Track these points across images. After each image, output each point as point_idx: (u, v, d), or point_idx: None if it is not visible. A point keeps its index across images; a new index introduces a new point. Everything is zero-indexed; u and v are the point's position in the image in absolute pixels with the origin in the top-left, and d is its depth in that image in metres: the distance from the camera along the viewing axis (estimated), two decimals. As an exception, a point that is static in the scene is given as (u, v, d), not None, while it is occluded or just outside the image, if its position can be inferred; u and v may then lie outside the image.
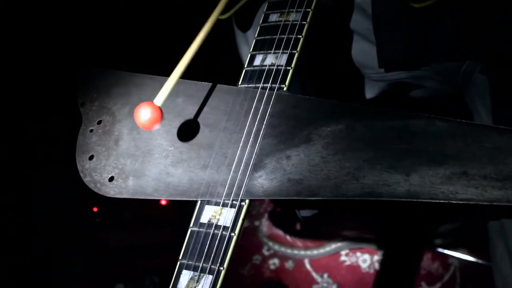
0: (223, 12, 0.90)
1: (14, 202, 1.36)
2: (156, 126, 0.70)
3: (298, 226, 1.51)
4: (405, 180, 0.63)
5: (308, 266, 1.49)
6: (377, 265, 1.44)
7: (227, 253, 0.66)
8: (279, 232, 1.53)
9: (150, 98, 0.81)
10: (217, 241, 0.67)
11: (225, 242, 0.67)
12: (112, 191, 0.77)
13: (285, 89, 0.74)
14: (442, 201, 0.61)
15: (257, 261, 1.53)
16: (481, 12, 0.89)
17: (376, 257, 1.45)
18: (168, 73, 0.75)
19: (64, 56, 1.31)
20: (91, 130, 0.83)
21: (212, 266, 0.66)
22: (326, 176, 0.66)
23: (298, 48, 0.77)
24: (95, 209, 1.46)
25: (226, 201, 0.69)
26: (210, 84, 0.79)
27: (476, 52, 0.93)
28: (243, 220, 0.68)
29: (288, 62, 0.76)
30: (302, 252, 1.50)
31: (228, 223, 0.68)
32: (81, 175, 0.80)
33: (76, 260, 1.43)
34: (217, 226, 0.68)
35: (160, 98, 0.72)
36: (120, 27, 1.36)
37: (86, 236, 1.45)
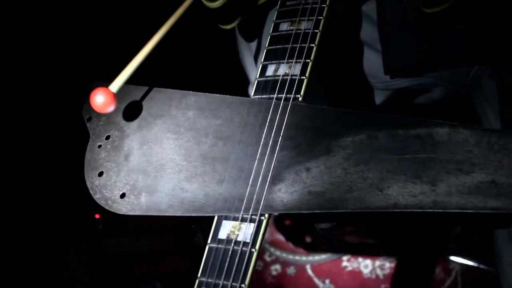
0: (227, 22, 0.89)
1: (17, 207, 1.34)
2: (110, 109, 0.74)
3: (309, 239, 1.49)
4: (431, 191, 0.61)
5: (310, 271, 1.48)
6: (378, 271, 1.44)
7: (248, 269, 0.64)
8: (281, 238, 1.52)
9: (159, 111, 0.79)
10: (237, 258, 0.65)
11: (245, 259, 0.65)
12: (124, 208, 0.74)
13: (300, 99, 0.72)
14: (470, 211, 0.59)
15: (259, 267, 1.52)
16: (489, 17, 0.88)
17: (378, 263, 1.45)
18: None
19: (68, 62, 1.30)
20: (100, 146, 0.81)
21: (233, 284, 0.63)
22: (348, 188, 0.64)
23: (312, 57, 0.75)
24: (97, 216, 1.43)
25: (244, 216, 0.67)
26: (222, 96, 0.77)
27: (484, 56, 0.92)
28: (263, 235, 0.66)
29: (302, 72, 0.74)
30: (304, 258, 1.49)
31: (248, 239, 0.66)
32: (91, 192, 0.77)
33: (78, 267, 1.41)
34: (237, 242, 0.66)
35: (115, 84, 0.74)
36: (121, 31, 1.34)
37: (88, 243, 1.44)
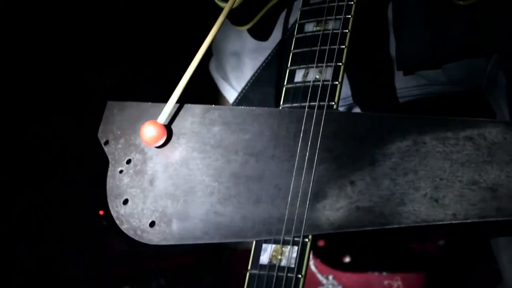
0: (243, 23, 0.84)
1: (20, 204, 1.33)
2: (160, 142, 0.72)
3: (337, 251, 1.46)
4: (492, 197, 0.56)
5: (313, 267, 1.45)
6: (382, 267, 1.41)
7: (296, 297, 0.59)
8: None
9: (181, 129, 0.75)
10: (282, 285, 0.60)
11: (292, 286, 0.60)
12: (155, 238, 0.69)
13: (334, 106, 0.67)
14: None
15: (262, 262, 1.48)
16: (503, 7, 0.83)
17: (381, 259, 1.42)
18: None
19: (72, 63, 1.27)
20: (121, 171, 0.76)
21: (283, 314, 0.59)
22: (400, 200, 0.59)
23: (343, 60, 0.70)
24: (101, 212, 1.40)
25: (286, 238, 0.62)
26: (248, 108, 0.72)
27: (497, 47, 0.87)
28: (308, 259, 0.61)
29: (335, 76, 0.69)
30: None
31: (293, 264, 0.61)
32: (117, 222, 0.73)
33: (83, 263, 1.40)
34: (280, 268, 0.61)
35: (163, 116, 0.72)
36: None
37: (93, 239, 1.42)
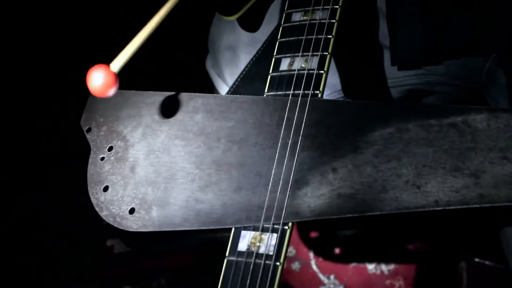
0: (232, 13, 0.83)
1: (20, 203, 1.32)
2: (111, 92, 0.61)
3: (338, 250, 1.45)
4: (475, 184, 0.55)
5: (314, 267, 1.45)
6: (383, 266, 1.41)
7: (273, 285, 0.58)
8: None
9: (165, 117, 0.73)
10: (260, 273, 0.59)
11: (270, 273, 0.58)
12: (134, 224, 0.68)
13: (319, 95, 0.66)
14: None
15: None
16: (498, 4, 0.83)
17: (383, 258, 1.42)
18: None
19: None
20: (102, 158, 0.74)
21: (258, 302, 0.57)
22: (382, 187, 0.58)
23: (330, 49, 0.69)
24: None
25: (266, 226, 0.61)
26: (232, 96, 0.71)
27: (492, 45, 0.86)
28: (287, 246, 0.60)
29: (320, 65, 0.68)
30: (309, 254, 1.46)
31: (271, 251, 0.59)
32: (97, 209, 0.71)
33: (83, 262, 1.39)
34: (259, 255, 0.60)
35: (117, 63, 0.62)
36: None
37: (93, 238, 1.42)
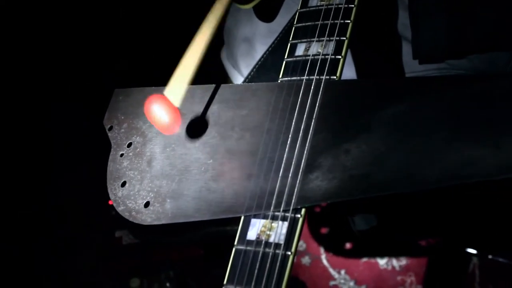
0: (243, 1, 0.81)
1: (30, 196, 1.34)
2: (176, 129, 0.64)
3: (348, 245, 1.41)
4: (494, 155, 0.50)
5: (325, 262, 1.42)
6: (395, 262, 1.38)
7: (284, 276, 0.54)
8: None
9: (182, 110, 0.72)
10: (269, 262, 0.55)
11: (279, 263, 0.55)
12: (148, 218, 0.67)
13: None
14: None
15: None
16: None
17: (394, 254, 1.38)
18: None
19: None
20: (122, 155, 0.74)
21: (267, 293, 0.54)
22: (396, 166, 0.54)
23: (347, 35, 0.66)
24: (110, 202, 1.38)
25: (276, 214, 0.58)
26: (246, 84, 0.69)
27: None
28: (299, 235, 0.56)
29: (337, 51, 0.65)
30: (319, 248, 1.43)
31: (282, 240, 0.56)
32: (114, 205, 0.70)
33: (92, 254, 1.39)
34: (268, 244, 0.57)
35: (177, 97, 0.63)
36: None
37: (101, 230, 1.42)
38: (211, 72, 0.71)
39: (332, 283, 1.39)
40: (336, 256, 1.41)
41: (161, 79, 0.78)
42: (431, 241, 1.37)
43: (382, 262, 1.38)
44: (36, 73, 1.31)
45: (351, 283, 1.38)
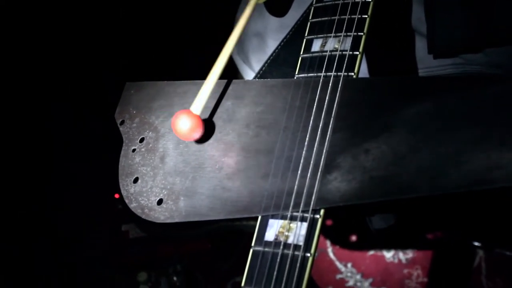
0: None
1: (36, 190, 1.33)
2: (196, 135, 0.63)
3: (355, 238, 1.41)
4: (523, 160, 0.48)
5: (331, 255, 1.42)
6: (401, 255, 1.38)
7: (303, 278, 0.53)
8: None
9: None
10: (288, 264, 0.54)
11: (298, 265, 0.54)
12: (162, 216, 0.66)
13: (354, 77, 0.61)
14: None
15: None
16: None
17: (401, 247, 1.38)
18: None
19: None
20: (134, 150, 0.73)
21: (286, 295, 0.53)
22: (418, 168, 0.53)
23: (365, 30, 0.64)
24: (117, 196, 1.38)
25: (295, 214, 0.57)
26: (262, 80, 0.67)
27: None
28: (318, 237, 0.55)
29: (355, 46, 0.63)
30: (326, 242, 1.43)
31: (301, 241, 0.55)
32: (126, 201, 0.69)
33: (99, 249, 1.39)
34: (287, 245, 0.55)
35: (198, 105, 0.64)
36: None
37: (108, 224, 1.41)
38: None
39: (338, 276, 1.39)
40: (343, 249, 1.41)
41: (162, 78, 0.78)
42: (437, 234, 1.37)
43: (388, 255, 1.39)
44: (34, 72, 1.30)
45: (358, 276, 1.38)
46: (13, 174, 1.29)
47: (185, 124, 0.63)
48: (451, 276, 1.33)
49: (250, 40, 0.92)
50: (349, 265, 1.39)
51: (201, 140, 0.67)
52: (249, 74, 0.93)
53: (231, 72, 0.92)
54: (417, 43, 0.84)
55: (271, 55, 0.80)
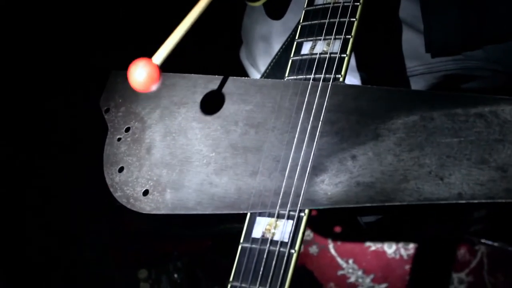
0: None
1: (36, 182, 1.31)
2: (153, 87, 0.59)
3: (357, 234, 1.42)
4: (502, 178, 0.52)
5: (332, 251, 1.42)
6: (403, 251, 1.38)
7: (288, 273, 0.56)
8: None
9: (183, 99, 0.72)
10: (274, 260, 0.57)
11: (284, 261, 0.57)
12: (147, 206, 0.67)
13: (341, 79, 0.64)
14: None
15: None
16: None
17: (402, 243, 1.39)
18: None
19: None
20: (119, 139, 0.73)
21: (271, 290, 0.56)
22: (403, 177, 0.56)
23: (353, 33, 0.66)
24: None
25: (281, 212, 0.59)
26: (252, 79, 0.69)
27: None
28: (303, 234, 0.58)
29: (343, 49, 0.65)
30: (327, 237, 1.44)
31: (286, 238, 0.58)
32: (111, 190, 0.70)
33: (99, 245, 1.38)
34: (273, 242, 0.58)
35: (160, 55, 0.60)
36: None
37: (108, 221, 1.40)
38: (230, 72, 0.71)
39: (340, 272, 1.39)
40: (344, 246, 1.41)
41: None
42: (437, 230, 1.38)
43: (390, 251, 1.39)
44: (32, 71, 1.27)
45: (359, 272, 1.38)
46: (12, 174, 1.27)
47: (142, 74, 0.59)
48: (453, 272, 1.34)
49: (257, 44, 0.94)
50: (350, 261, 1.40)
51: (189, 133, 0.69)
52: (257, 77, 0.95)
53: (240, 76, 0.94)
54: (416, 41, 0.86)
55: (274, 57, 0.82)
